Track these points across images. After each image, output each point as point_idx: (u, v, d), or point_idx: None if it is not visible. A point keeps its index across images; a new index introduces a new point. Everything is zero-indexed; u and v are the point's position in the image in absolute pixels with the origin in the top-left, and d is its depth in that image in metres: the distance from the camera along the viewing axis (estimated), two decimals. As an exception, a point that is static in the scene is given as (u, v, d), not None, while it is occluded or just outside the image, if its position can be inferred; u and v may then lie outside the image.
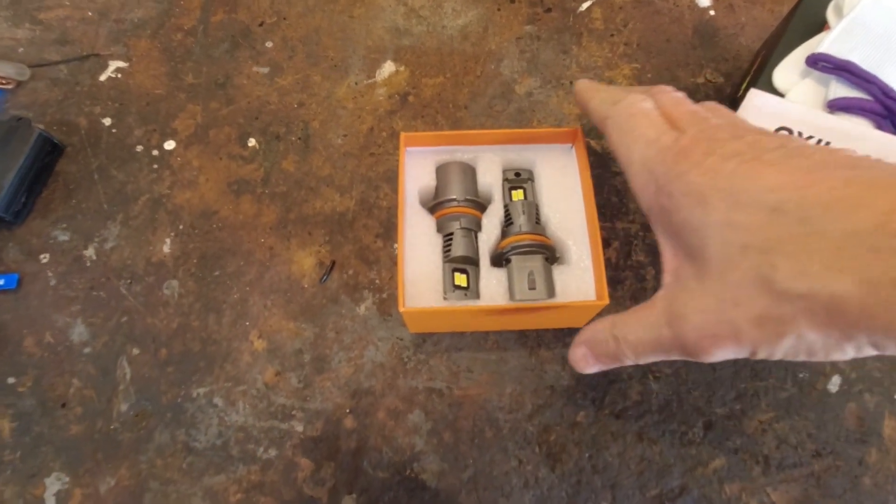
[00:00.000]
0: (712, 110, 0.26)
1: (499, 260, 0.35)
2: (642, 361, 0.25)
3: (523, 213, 0.36)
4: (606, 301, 0.31)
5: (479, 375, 0.36)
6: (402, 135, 0.36)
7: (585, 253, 0.35)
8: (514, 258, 0.34)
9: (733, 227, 0.20)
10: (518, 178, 0.38)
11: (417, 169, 0.38)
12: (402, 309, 0.31)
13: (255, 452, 0.35)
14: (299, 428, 0.35)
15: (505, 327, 0.37)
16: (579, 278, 0.35)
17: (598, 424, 0.35)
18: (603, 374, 0.36)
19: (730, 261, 0.20)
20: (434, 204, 0.36)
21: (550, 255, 0.35)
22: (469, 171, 0.37)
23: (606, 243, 0.39)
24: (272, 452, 0.35)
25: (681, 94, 0.27)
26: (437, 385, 0.36)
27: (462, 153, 0.38)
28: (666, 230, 0.24)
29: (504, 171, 0.38)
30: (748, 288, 0.20)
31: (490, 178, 0.37)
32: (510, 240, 0.35)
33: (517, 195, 0.37)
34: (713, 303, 0.21)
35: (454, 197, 0.36)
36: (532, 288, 0.33)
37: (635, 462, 0.34)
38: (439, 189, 0.37)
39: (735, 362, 0.36)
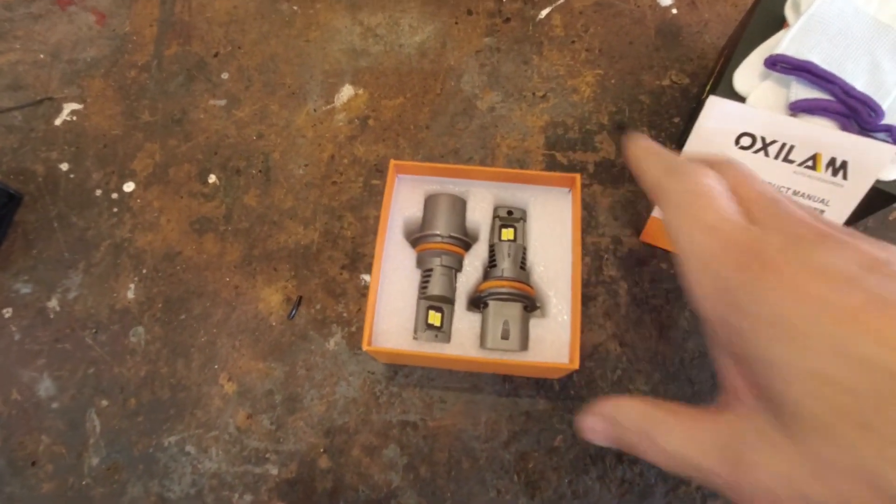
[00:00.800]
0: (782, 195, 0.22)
1: (476, 302, 0.34)
2: (671, 472, 0.21)
3: (509, 255, 0.35)
4: (577, 366, 0.30)
5: (452, 405, 0.35)
6: (392, 162, 0.35)
7: (565, 307, 0.34)
8: (491, 303, 0.33)
9: (831, 385, 0.16)
10: (510, 217, 0.37)
11: (405, 198, 0.37)
12: (366, 347, 0.31)
13: (231, 499, 0.34)
14: (274, 471, 0.34)
15: (473, 370, 0.36)
16: (555, 333, 0.33)
17: (576, 448, 0.34)
18: (579, 397, 0.35)
19: (824, 429, 0.16)
20: (417, 237, 0.35)
21: (530, 304, 0.34)
22: (458, 206, 0.36)
23: (577, 259, 0.38)
24: (247, 498, 0.34)
25: (748, 170, 0.22)
26: (411, 417, 0.35)
27: (454, 185, 0.37)
28: (729, 348, 0.20)
29: (496, 208, 0.37)
30: (846, 478, 0.16)
31: (479, 216, 0.36)
32: (491, 283, 0.33)
33: (507, 234, 0.36)
34: (792, 471, 0.17)
35: (438, 232, 0.35)
36: (505, 338, 0.32)
37: (616, 485, 0.33)
38: (425, 221, 0.36)
39: (712, 374, 0.35)
